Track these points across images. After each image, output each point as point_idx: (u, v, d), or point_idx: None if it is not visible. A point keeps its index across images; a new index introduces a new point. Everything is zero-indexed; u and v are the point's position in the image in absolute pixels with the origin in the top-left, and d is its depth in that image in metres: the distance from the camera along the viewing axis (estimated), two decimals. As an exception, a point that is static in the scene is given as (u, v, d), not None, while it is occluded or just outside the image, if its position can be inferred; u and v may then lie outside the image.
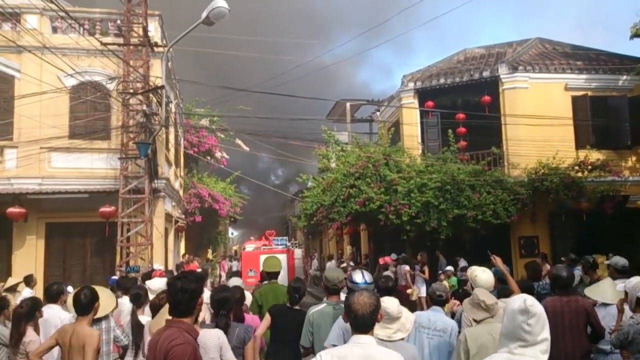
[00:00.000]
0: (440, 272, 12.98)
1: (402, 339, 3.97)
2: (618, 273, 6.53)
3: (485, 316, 4.15)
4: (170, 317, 3.28)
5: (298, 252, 17.78)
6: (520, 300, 2.52)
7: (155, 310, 5.13)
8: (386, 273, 12.31)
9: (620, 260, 6.61)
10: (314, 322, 4.83)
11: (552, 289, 5.78)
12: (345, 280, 5.36)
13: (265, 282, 7.19)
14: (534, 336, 2.45)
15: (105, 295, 5.50)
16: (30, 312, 5.25)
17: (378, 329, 3.81)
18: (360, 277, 4.85)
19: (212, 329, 4.31)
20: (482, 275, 5.31)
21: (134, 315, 5.93)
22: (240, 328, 4.57)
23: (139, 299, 6.16)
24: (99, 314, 5.20)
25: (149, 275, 9.53)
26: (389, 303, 3.99)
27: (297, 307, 5.36)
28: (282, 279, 8.46)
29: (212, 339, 4.15)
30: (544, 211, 14.76)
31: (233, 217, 25.22)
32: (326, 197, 14.61)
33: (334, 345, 3.92)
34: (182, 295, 3.16)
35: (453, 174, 13.78)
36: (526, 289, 5.75)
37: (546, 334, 2.49)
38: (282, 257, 14.86)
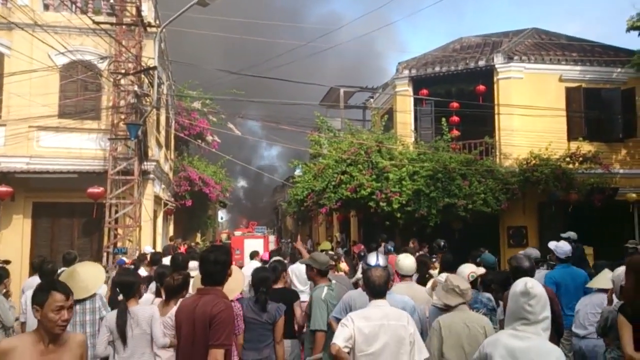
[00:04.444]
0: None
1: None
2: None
3: (459, 302, 4.18)
4: (202, 286, 3.58)
5: (272, 238, 22.23)
6: (522, 283, 2.84)
7: (169, 291, 5.16)
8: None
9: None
10: (328, 304, 5.05)
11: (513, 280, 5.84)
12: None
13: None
14: (535, 315, 2.75)
15: (91, 275, 5.43)
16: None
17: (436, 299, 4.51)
18: (374, 259, 4.97)
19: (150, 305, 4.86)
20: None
21: (122, 304, 5.01)
22: (273, 305, 4.79)
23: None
24: (83, 295, 5.17)
25: (143, 258, 9.57)
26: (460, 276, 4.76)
27: (279, 286, 5.61)
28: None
29: (145, 312, 4.74)
30: (533, 202, 14.81)
31: (223, 202, 25.16)
32: (317, 183, 14.56)
33: (337, 318, 4.37)
34: (215, 267, 3.50)
35: (445, 162, 13.78)
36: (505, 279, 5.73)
37: (547, 313, 2.79)
38: (260, 242, 17.43)
